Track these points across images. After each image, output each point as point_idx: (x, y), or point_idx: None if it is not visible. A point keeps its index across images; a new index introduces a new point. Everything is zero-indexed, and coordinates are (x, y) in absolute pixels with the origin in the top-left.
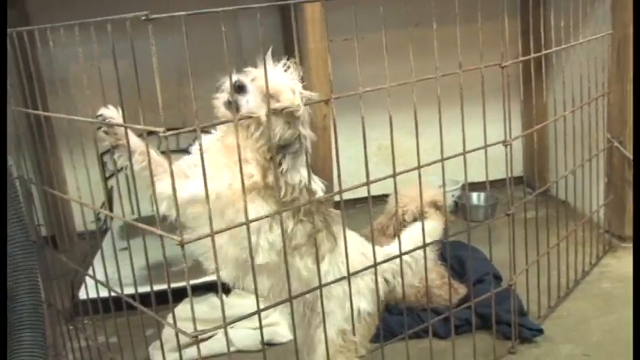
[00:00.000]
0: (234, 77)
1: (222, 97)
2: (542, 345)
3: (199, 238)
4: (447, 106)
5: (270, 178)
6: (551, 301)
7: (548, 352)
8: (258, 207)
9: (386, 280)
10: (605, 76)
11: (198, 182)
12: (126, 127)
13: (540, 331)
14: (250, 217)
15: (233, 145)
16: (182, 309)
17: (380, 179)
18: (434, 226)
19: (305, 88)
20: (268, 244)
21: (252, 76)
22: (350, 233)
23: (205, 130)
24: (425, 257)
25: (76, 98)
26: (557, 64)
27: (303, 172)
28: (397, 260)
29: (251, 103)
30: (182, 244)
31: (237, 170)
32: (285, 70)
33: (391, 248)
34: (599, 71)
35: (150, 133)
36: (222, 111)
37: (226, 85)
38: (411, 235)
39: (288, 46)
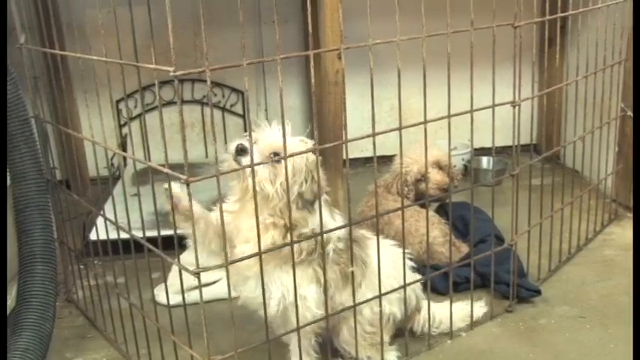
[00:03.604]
0: (237, 142)
1: (230, 153)
2: (538, 305)
3: (204, 178)
4: (459, 69)
5: (288, 238)
6: (552, 264)
7: (544, 313)
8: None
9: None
10: (624, 44)
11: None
12: (138, 67)
13: (538, 292)
14: (289, 280)
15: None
16: (187, 255)
17: (386, 131)
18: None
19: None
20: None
21: (254, 139)
22: (383, 244)
23: (223, 85)
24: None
25: (92, 43)
26: (574, 29)
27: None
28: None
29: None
30: (187, 183)
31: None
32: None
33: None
34: (617, 38)
35: (163, 82)
36: (231, 163)
37: (231, 148)
38: None
39: None
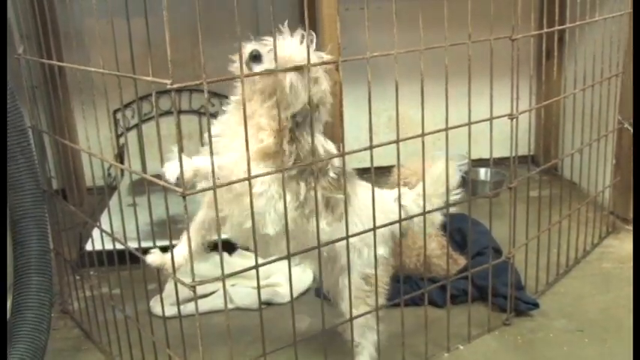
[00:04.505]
0: (251, 46)
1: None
2: (536, 319)
3: (201, 191)
4: (457, 82)
5: (284, 145)
6: (550, 277)
7: (542, 326)
8: (268, 177)
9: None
10: (621, 57)
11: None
12: (135, 79)
13: (536, 306)
14: (260, 186)
15: (250, 114)
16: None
17: (384, 144)
18: (439, 172)
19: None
20: (276, 214)
21: (268, 48)
22: (366, 185)
23: (221, 95)
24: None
25: (90, 52)
26: (571, 42)
27: (315, 138)
28: (408, 207)
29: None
30: (184, 196)
31: (252, 138)
32: (301, 42)
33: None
34: (614, 51)
35: (161, 92)
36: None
37: (243, 51)
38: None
39: (304, 10)
